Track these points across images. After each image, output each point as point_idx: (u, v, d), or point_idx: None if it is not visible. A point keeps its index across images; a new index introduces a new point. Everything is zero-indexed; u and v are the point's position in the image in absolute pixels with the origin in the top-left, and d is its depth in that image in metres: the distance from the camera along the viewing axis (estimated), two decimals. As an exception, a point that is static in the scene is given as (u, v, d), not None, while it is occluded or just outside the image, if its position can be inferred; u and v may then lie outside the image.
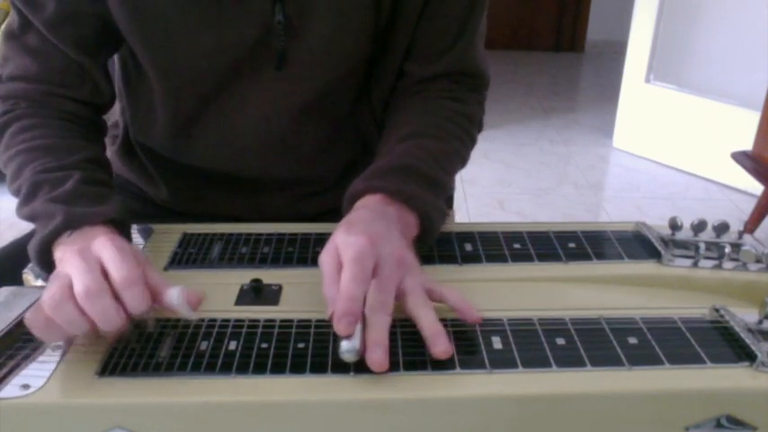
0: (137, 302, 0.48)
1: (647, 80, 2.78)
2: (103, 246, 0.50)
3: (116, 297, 0.48)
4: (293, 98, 0.70)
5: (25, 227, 0.60)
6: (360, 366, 0.47)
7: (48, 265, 0.55)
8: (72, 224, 0.55)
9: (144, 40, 0.66)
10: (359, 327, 0.47)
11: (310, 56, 0.67)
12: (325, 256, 0.53)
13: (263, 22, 0.64)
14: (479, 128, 0.76)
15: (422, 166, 0.63)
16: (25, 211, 0.59)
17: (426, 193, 0.61)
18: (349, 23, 0.66)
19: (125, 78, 0.76)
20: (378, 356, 0.46)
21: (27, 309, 0.54)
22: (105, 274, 0.48)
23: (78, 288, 0.47)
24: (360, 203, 0.60)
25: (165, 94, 0.71)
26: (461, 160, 0.70)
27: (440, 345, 0.47)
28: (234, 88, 0.69)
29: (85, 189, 0.59)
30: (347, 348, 0.46)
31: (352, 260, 0.50)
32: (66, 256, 0.50)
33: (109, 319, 0.47)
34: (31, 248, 0.56)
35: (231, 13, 0.64)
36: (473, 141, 0.73)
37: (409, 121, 0.70)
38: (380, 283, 0.50)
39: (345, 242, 0.52)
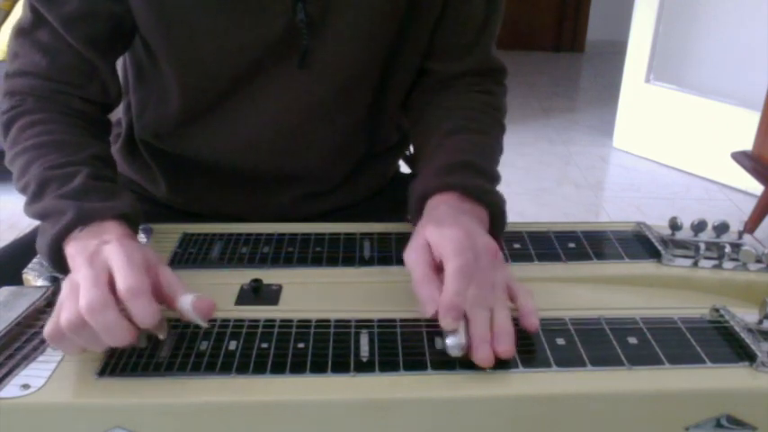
0: (143, 314, 0.46)
1: (647, 80, 2.78)
2: (113, 252, 0.49)
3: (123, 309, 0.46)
4: (312, 96, 0.71)
5: (25, 227, 0.60)
6: (360, 366, 0.47)
7: (60, 263, 0.54)
8: (83, 220, 0.54)
9: (167, 40, 0.66)
10: (462, 322, 0.47)
11: (332, 54, 0.68)
12: (414, 254, 0.53)
13: (285, 21, 0.65)
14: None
15: (478, 161, 0.64)
16: (34, 209, 0.58)
17: (491, 187, 0.62)
18: (369, 22, 0.67)
19: (136, 71, 0.76)
20: (485, 353, 0.46)
21: (27, 309, 0.54)
22: (113, 283, 0.47)
23: (82, 302, 0.45)
24: (434, 201, 0.60)
25: (180, 89, 0.71)
26: (500, 150, 0.72)
27: (502, 344, 0.47)
28: (253, 85, 0.69)
29: (95, 185, 0.59)
30: (453, 344, 0.46)
31: (455, 254, 0.50)
32: (78, 261, 0.49)
33: (114, 334, 0.45)
34: (42, 246, 0.55)
35: (254, 12, 0.64)
36: (504, 131, 0.75)
37: (448, 116, 0.71)
38: (479, 277, 0.49)
39: (440, 237, 0.52)
